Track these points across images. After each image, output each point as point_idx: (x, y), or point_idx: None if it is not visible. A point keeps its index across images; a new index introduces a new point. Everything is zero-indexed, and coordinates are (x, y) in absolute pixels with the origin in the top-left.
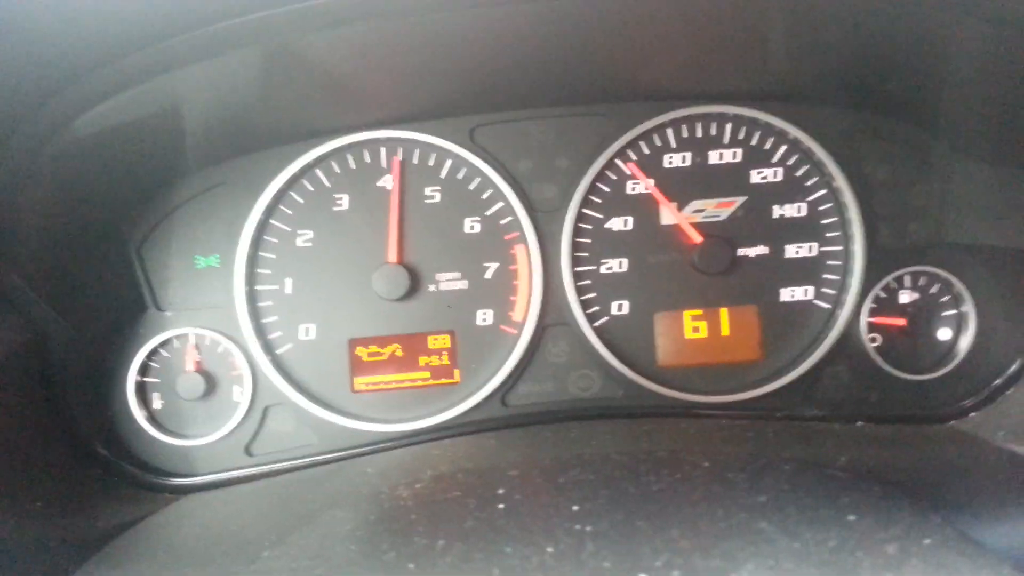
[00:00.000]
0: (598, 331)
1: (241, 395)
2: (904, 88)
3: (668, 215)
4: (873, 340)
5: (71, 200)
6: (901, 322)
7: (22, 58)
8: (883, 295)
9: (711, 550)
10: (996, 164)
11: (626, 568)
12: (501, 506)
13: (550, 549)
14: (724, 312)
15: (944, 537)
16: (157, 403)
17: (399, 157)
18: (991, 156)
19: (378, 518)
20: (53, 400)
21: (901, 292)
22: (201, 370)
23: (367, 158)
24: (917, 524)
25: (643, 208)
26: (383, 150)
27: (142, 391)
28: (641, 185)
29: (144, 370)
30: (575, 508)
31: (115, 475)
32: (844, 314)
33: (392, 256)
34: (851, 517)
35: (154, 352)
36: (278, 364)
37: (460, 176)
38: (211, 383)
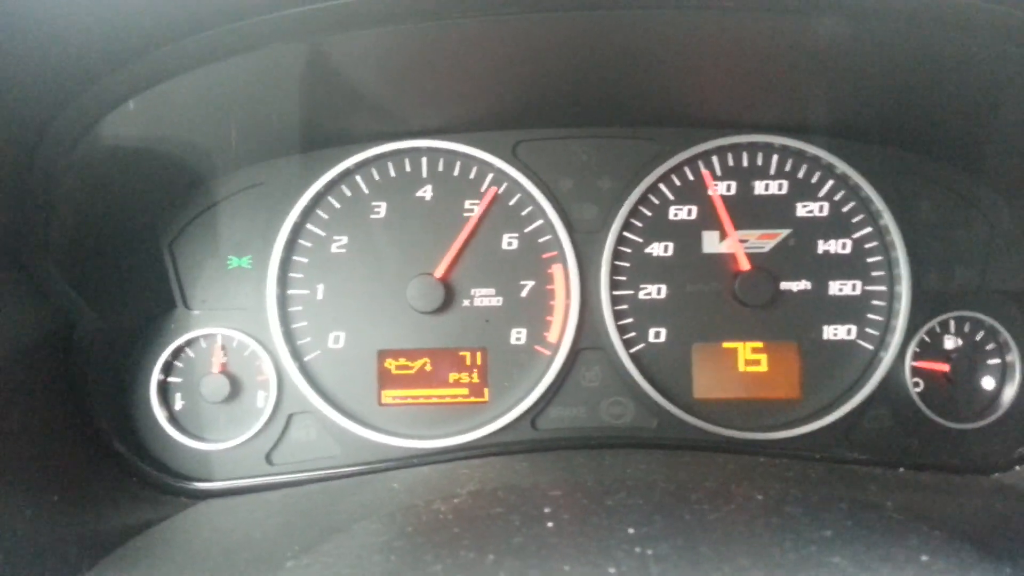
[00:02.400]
0: (634, 358)
1: (265, 401)
2: (952, 130)
3: (710, 243)
4: (916, 385)
5: (105, 194)
6: (945, 368)
7: (56, 51)
8: (927, 339)
9: None
10: None
11: None
12: (550, 524)
13: (612, 570)
14: (764, 347)
15: None
16: (179, 403)
17: (498, 190)
18: None
19: (416, 530)
20: (75, 392)
21: (946, 337)
22: (226, 372)
23: (408, 167)
24: (990, 573)
25: (684, 235)
26: (424, 160)
27: (164, 390)
28: (683, 211)
29: (168, 369)
30: (631, 531)
31: (132, 475)
32: (888, 356)
33: (440, 271)
34: (924, 558)
35: (179, 351)
36: (305, 371)
37: (501, 191)
38: (236, 386)
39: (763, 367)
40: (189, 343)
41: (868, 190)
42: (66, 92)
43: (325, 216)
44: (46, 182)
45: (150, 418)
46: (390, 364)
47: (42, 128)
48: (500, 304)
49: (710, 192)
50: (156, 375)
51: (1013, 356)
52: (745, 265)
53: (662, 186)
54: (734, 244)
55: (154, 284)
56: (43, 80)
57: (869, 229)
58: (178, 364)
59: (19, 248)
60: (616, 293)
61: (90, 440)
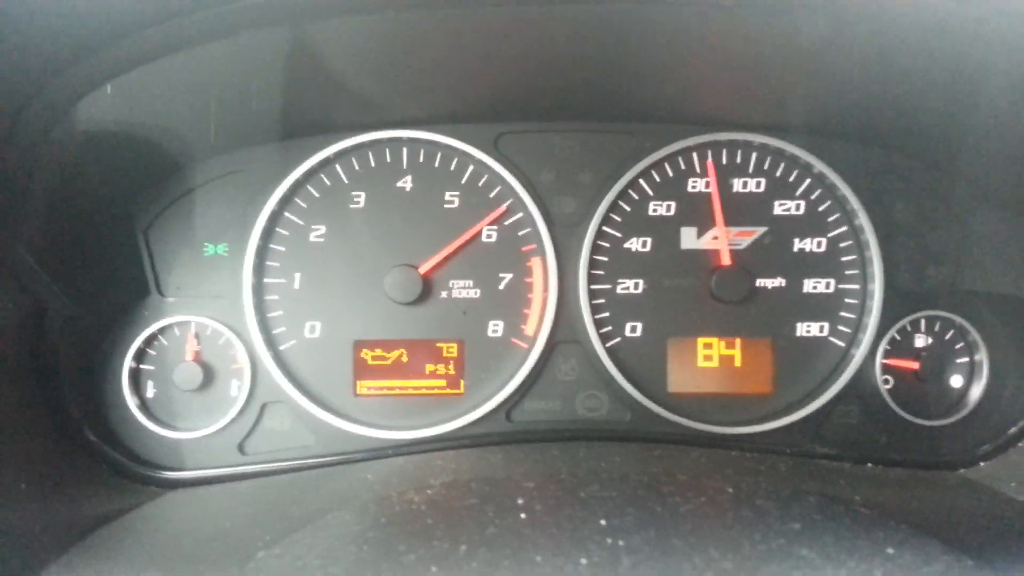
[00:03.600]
0: (610, 351)
1: (239, 390)
2: (928, 131)
3: (688, 239)
4: (886, 382)
5: (80, 180)
6: (915, 366)
7: (30, 33)
8: (898, 337)
9: (756, 572)
10: (1018, 213)
11: None
12: (523, 516)
13: (584, 560)
14: (738, 343)
15: None
16: (151, 391)
17: (505, 208)
18: (1013, 204)
19: (389, 521)
20: (45, 379)
21: (916, 336)
22: (200, 360)
23: (388, 157)
24: (954, 565)
25: (663, 230)
26: (405, 150)
27: (136, 378)
28: (662, 206)
29: (140, 356)
30: (602, 522)
31: (102, 463)
32: (859, 353)
33: (424, 267)
34: (889, 550)
35: (152, 339)
36: (280, 360)
37: (481, 183)
38: (209, 375)
39: (737, 362)
40: (162, 331)
41: (844, 189)
42: (40, 77)
43: (304, 205)
44: (20, 167)
45: (121, 405)
46: (366, 354)
47: (16, 113)
48: (478, 296)
49: (708, 186)
50: (128, 362)
51: (981, 355)
52: (727, 260)
53: (642, 181)
54: (718, 239)
55: (128, 270)
56: (17, 65)
57: (844, 228)
58: (151, 352)
59: None
60: (594, 287)
61: (59, 427)
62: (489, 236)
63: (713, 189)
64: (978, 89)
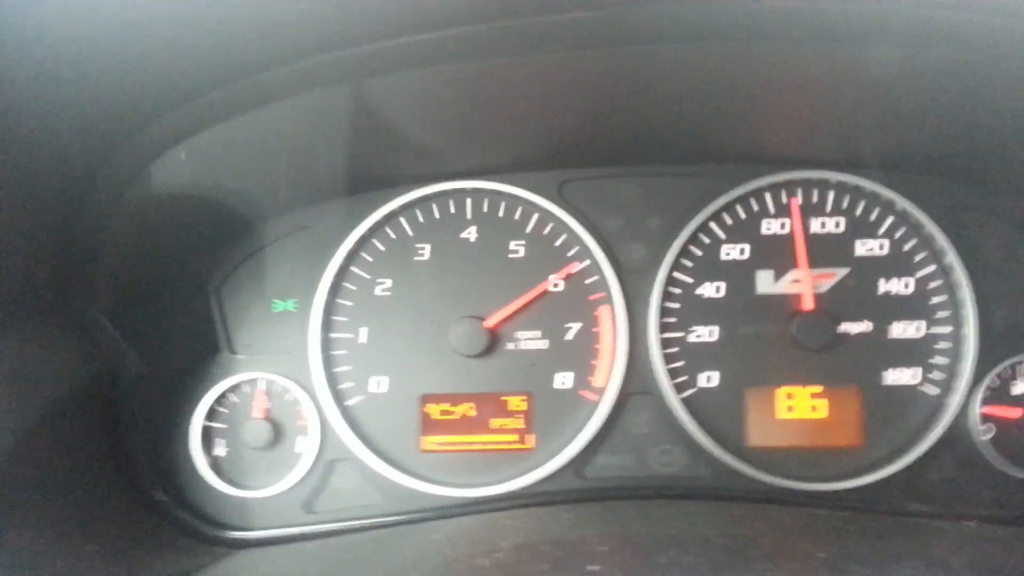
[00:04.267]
0: (685, 403)
1: (306, 447)
2: (1013, 162)
3: (765, 283)
4: (986, 432)
5: (151, 241)
6: (1017, 414)
7: (104, 97)
8: (996, 383)
9: None
10: None
11: None
12: None
13: None
14: (822, 392)
15: None
16: (221, 450)
17: (578, 264)
18: None
19: None
20: (116, 439)
21: (1016, 382)
22: (269, 418)
23: (452, 208)
24: None
25: (737, 274)
26: (469, 201)
27: (207, 437)
28: (735, 250)
29: (211, 415)
30: None
31: (170, 523)
32: (954, 402)
33: (491, 321)
34: None
35: (222, 397)
36: (347, 416)
37: (546, 231)
38: (278, 432)
39: (822, 413)
40: (233, 388)
41: (930, 226)
42: (113, 140)
43: (369, 259)
44: (94, 229)
45: (190, 465)
46: (432, 409)
47: (90, 175)
48: (545, 347)
49: (784, 227)
50: (199, 421)
51: None
52: (809, 304)
53: (712, 224)
54: (799, 282)
55: (198, 329)
56: (90, 128)
57: (932, 268)
58: (221, 410)
59: (66, 295)
60: (665, 335)
61: (128, 487)
62: (556, 286)
63: (797, 229)
64: None
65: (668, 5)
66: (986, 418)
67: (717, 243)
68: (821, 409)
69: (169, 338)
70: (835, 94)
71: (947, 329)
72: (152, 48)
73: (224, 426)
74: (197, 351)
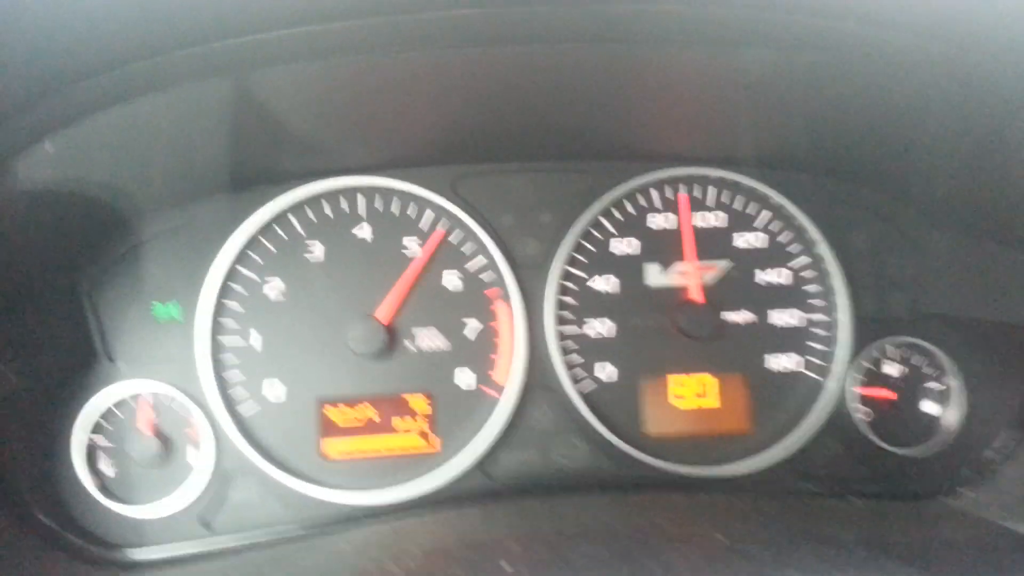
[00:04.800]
0: (583, 395)
1: (199, 460)
2: (878, 159)
3: (652, 275)
4: (865, 414)
5: (17, 241)
6: (890, 395)
7: None
8: (870, 367)
9: None
10: (970, 235)
11: None
12: None
13: None
14: (710, 379)
15: None
16: (107, 466)
17: (444, 232)
18: (965, 227)
19: None
20: None
21: (887, 364)
22: (156, 431)
23: (344, 206)
24: None
25: (627, 268)
26: (361, 198)
27: (91, 453)
28: (625, 244)
29: (93, 428)
30: None
31: (57, 547)
32: (834, 385)
33: (383, 315)
34: None
35: (109, 412)
36: (242, 426)
37: (440, 227)
38: (167, 446)
39: (712, 400)
40: (118, 404)
41: (802, 219)
42: None
43: (258, 259)
44: None
45: (75, 482)
46: (331, 412)
47: None
48: (445, 345)
49: (669, 221)
50: (80, 435)
51: (953, 379)
52: (697, 295)
53: (603, 220)
54: (685, 274)
55: (74, 337)
56: None
57: (806, 258)
58: (107, 425)
59: None
60: (562, 329)
61: (9, 510)
62: (451, 282)
63: (684, 222)
64: (921, 115)
65: (549, 7)
66: (864, 399)
67: (608, 238)
68: (711, 396)
69: (41, 347)
70: (713, 95)
71: (823, 316)
72: (13, 38)
73: (108, 441)
74: (73, 360)
